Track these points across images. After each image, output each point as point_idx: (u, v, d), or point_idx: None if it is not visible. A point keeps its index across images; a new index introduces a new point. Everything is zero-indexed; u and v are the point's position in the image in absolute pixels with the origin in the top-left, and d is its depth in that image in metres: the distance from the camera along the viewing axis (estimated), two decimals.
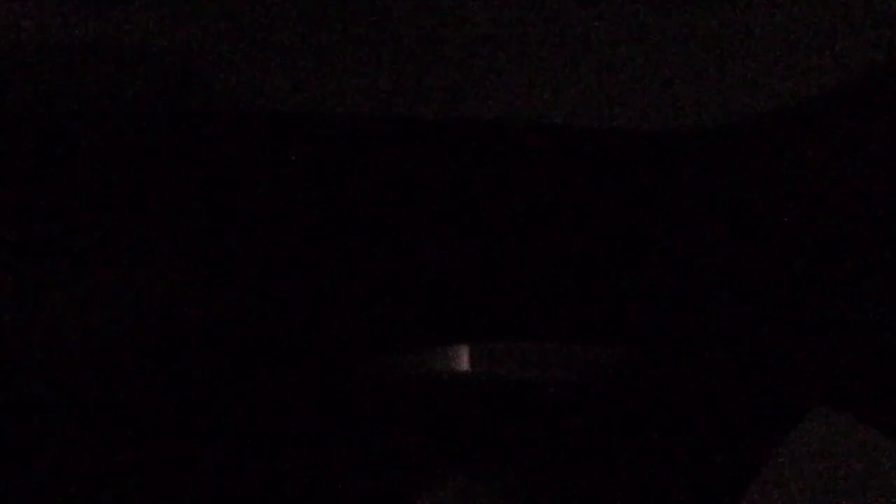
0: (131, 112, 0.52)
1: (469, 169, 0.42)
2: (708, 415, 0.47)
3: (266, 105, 0.58)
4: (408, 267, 0.40)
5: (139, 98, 0.56)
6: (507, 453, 0.48)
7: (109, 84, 0.55)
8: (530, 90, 0.60)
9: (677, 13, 0.60)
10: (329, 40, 0.59)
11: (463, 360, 0.46)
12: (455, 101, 0.59)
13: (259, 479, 0.46)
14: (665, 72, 0.59)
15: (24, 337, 0.41)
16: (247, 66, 0.58)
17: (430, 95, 0.59)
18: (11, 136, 0.44)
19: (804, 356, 0.39)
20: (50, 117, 0.47)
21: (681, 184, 0.42)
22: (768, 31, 0.59)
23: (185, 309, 0.40)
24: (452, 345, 0.45)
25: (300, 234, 0.41)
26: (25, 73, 0.55)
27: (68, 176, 0.43)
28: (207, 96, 0.58)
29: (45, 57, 0.56)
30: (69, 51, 0.57)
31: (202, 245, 0.41)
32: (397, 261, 0.40)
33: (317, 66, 0.59)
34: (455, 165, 0.42)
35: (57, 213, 0.43)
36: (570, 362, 0.47)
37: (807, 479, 0.58)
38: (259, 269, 0.41)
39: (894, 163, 0.40)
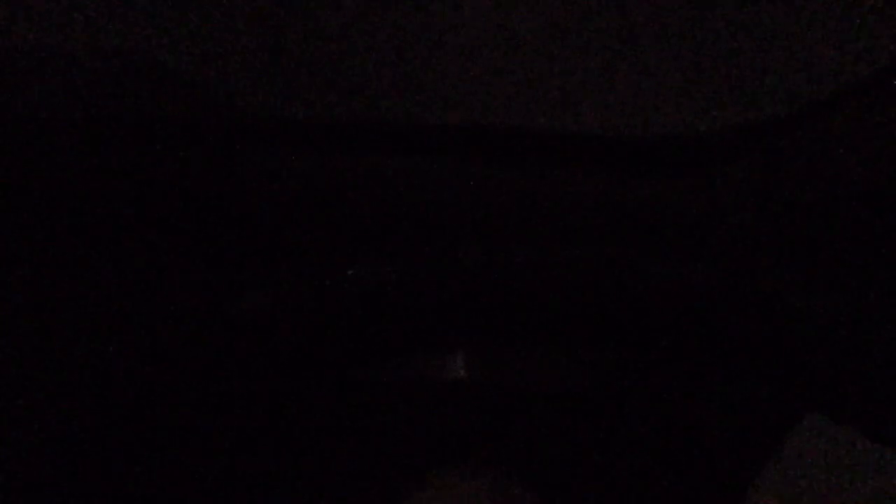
0: (137, 120, 0.52)
1: (468, 174, 0.42)
2: (704, 422, 0.47)
3: (264, 112, 0.58)
4: (405, 272, 0.40)
5: (145, 106, 0.56)
6: (501, 457, 0.48)
7: (107, 90, 0.55)
8: (537, 95, 0.60)
9: (678, 20, 0.60)
10: (331, 45, 0.59)
11: (459, 366, 0.46)
12: (457, 105, 0.59)
13: (259, 479, 0.46)
14: (667, 77, 0.60)
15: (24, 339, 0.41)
16: (245, 71, 0.58)
17: (435, 101, 0.59)
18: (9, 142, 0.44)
19: (798, 363, 0.39)
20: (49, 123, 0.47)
21: (684, 188, 0.42)
22: (772, 35, 0.59)
23: (189, 312, 0.40)
24: (449, 350, 0.45)
25: (297, 237, 0.41)
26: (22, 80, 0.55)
27: (62, 182, 0.43)
28: (209, 104, 0.58)
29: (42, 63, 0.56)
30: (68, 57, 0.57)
31: (202, 249, 0.41)
32: (394, 266, 0.40)
33: (316, 70, 0.59)
34: (455, 171, 0.42)
35: (57, 219, 0.43)
36: (566, 367, 0.47)
37: (800, 483, 0.58)
38: (259, 272, 0.41)
39: (894, 164, 0.40)
